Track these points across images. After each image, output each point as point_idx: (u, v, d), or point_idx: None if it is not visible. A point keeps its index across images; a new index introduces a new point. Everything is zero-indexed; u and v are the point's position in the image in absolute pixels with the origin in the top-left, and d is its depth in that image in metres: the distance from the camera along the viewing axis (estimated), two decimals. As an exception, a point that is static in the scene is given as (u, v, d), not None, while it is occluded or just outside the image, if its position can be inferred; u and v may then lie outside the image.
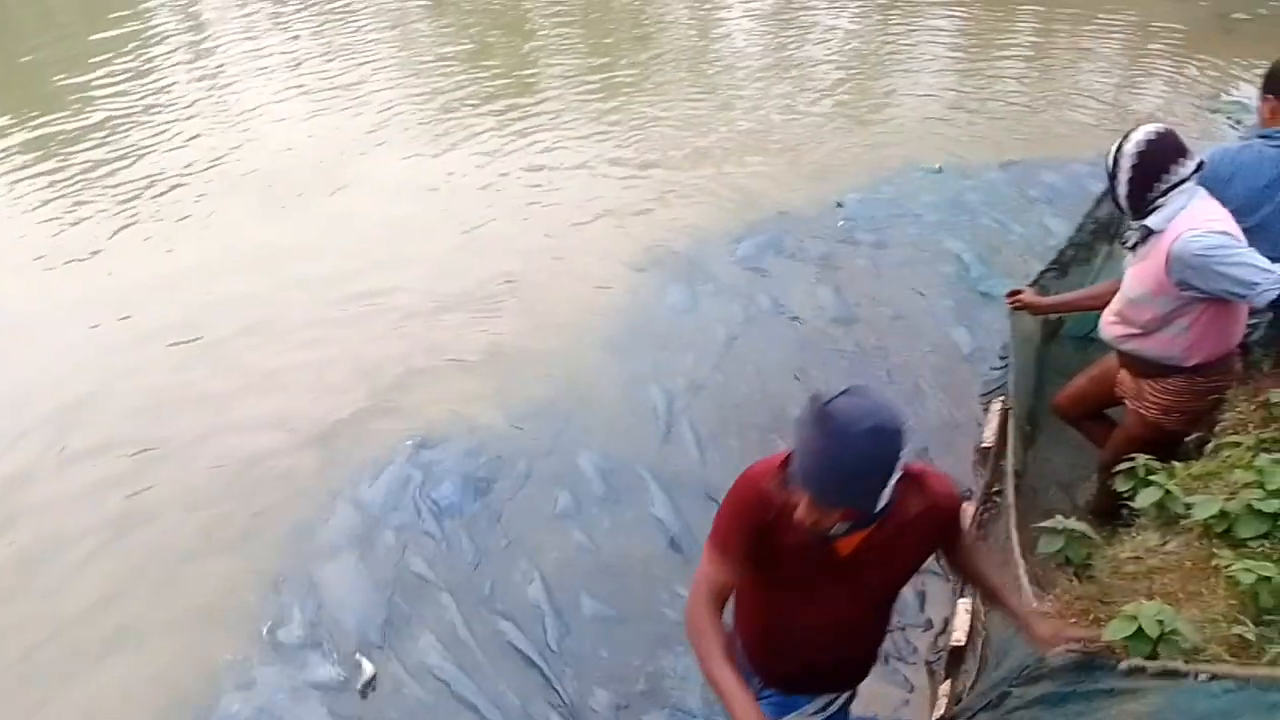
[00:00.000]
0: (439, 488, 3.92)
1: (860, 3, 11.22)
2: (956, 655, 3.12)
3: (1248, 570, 2.12)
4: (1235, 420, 3.11)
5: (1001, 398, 3.79)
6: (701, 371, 4.62)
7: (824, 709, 2.28)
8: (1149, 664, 1.96)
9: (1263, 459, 2.46)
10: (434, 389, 4.55)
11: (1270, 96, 3.18)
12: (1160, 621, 2.08)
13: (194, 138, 7.67)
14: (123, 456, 4.24)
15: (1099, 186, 4.06)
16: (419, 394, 4.51)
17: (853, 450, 1.63)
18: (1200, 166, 2.79)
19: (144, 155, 7.33)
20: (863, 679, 2.31)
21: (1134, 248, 2.91)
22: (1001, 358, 4.51)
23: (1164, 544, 2.67)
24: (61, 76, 8.95)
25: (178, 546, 3.74)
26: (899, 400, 4.43)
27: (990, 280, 5.42)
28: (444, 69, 9.17)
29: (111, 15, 11.06)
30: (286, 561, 3.61)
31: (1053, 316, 3.92)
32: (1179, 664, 1.89)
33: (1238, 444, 2.86)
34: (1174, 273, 2.75)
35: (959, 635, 3.11)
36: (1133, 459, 2.88)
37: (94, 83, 8.83)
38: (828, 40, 10.04)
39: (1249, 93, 8.08)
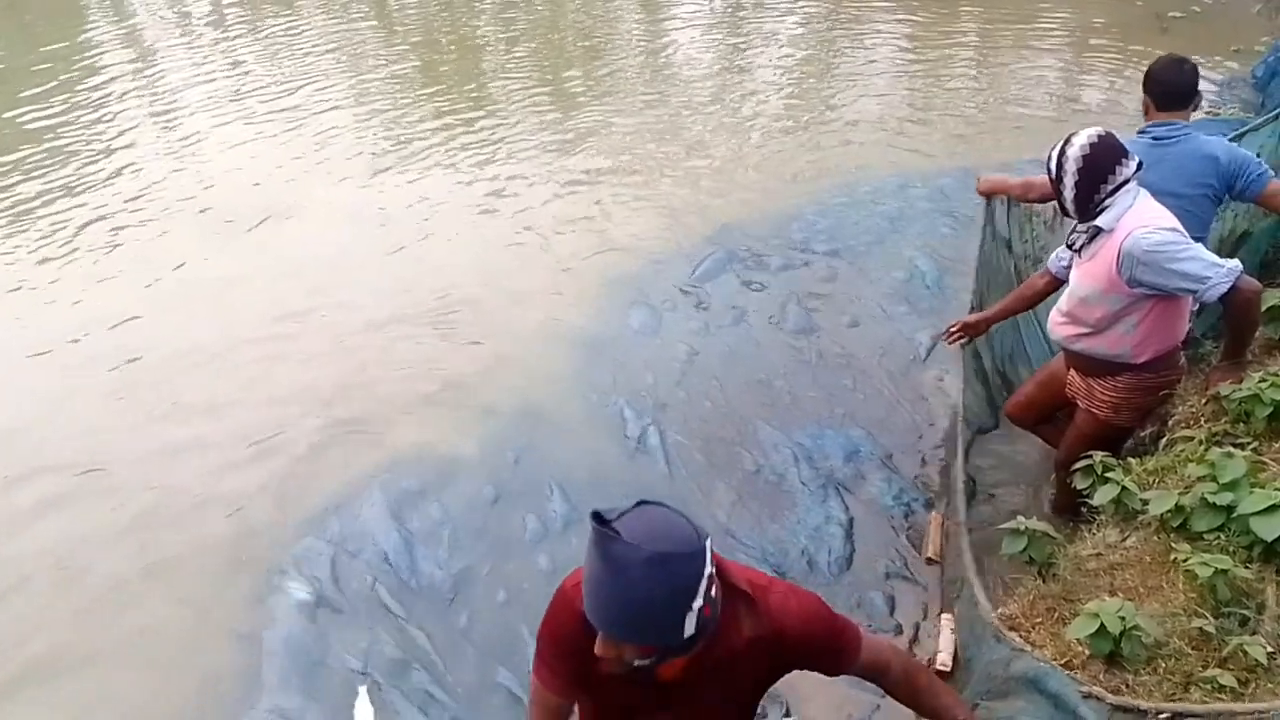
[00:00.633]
0: (406, 519, 3.86)
1: (806, 11, 11.34)
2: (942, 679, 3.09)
3: (1205, 564, 2.16)
4: (1187, 414, 3.19)
5: (936, 512, 3.66)
6: (665, 388, 4.61)
7: None
8: (1108, 696, 1.99)
9: (1214, 452, 2.51)
10: (393, 418, 4.47)
11: (1145, 96, 3.42)
12: (1122, 618, 2.12)
13: (134, 167, 7.52)
14: (63, 482, 4.17)
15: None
16: (378, 424, 4.44)
17: (636, 582, 1.42)
18: (1140, 166, 2.85)
19: (83, 186, 7.18)
20: None
21: (1080, 249, 2.97)
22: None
23: (1124, 540, 2.72)
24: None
25: (127, 581, 3.64)
26: (866, 407, 4.51)
27: (944, 284, 5.49)
28: (392, 90, 9.11)
29: (44, 48, 10.88)
30: (249, 602, 3.53)
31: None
32: (1139, 703, 1.93)
33: (1190, 438, 2.92)
34: (1125, 270, 2.80)
35: (944, 658, 3.09)
36: (1089, 456, 2.94)
37: (27, 115, 8.66)
38: (776, 51, 10.11)
39: (1186, 89, 8.29)
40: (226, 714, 3.12)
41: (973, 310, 3.72)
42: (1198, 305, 3.21)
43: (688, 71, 9.54)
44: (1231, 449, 2.53)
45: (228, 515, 3.94)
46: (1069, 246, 3.03)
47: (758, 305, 5.33)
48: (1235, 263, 2.77)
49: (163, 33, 11.66)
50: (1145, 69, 3.51)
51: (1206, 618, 2.16)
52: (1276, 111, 4.58)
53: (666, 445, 4.23)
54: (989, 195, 4.08)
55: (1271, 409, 2.72)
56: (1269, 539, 2.19)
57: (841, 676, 1.90)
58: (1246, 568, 2.23)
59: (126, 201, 6.92)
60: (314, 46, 10.66)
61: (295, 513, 3.94)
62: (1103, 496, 2.72)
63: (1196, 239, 2.92)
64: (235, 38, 11.17)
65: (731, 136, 7.71)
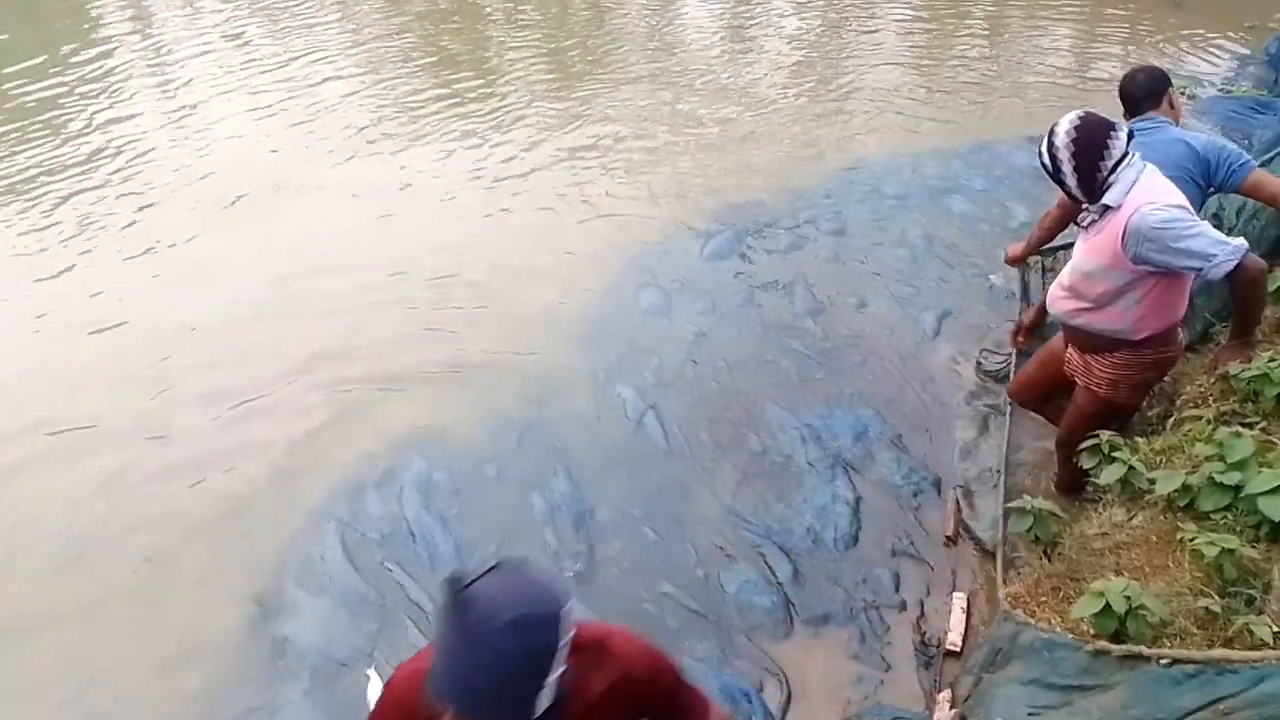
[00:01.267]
0: (411, 497, 3.88)
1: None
2: (951, 657, 3.03)
3: (1211, 544, 2.16)
4: (1195, 393, 3.18)
5: (958, 593, 3.39)
6: (670, 368, 4.60)
7: None
8: (1113, 647, 1.99)
9: (1222, 432, 2.51)
10: (397, 395, 4.49)
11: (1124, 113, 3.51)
12: (1128, 598, 2.12)
13: (133, 140, 7.49)
14: (50, 443, 4.25)
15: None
16: (381, 401, 4.45)
17: (493, 651, 1.31)
18: (1131, 135, 2.84)
19: (77, 160, 7.17)
20: None
21: (1089, 226, 2.94)
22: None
23: (1130, 519, 2.73)
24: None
25: (133, 579, 3.66)
26: (874, 388, 4.50)
27: (952, 264, 5.47)
28: (396, 62, 9.07)
29: (44, 22, 10.86)
30: (266, 583, 3.55)
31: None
32: (1140, 649, 1.92)
33: (1198, 417, 2.92)
34: (1130, 246, 2.77)
35: (954, 637, 3.09)
36: (1095, 436, 2.93)
37: (25, 87, 8.65)
38: (784, 27, 10.05)
39: (1199, 67, 8.22)
40: (232, 697, 3.14)
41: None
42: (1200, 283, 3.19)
43: (695, 47, 9.47)
44: (1240, 428, 2.52)
45: (227, 493, 3.97)
46: (1079, 225, 3.00)
47: (766, 285, 5.31)
48: (1241, 241, 2.75)
49: (164, 3, 11.64)
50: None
51: (1213, 597, 2.16)
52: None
53: (672, 426, 4.22)
54: (1018, 263, 4.22)
55: (1280, 389, 2.71)
56: (1276, 519, 2.18)
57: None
58: (1254, 547, 2.23)
59: (124, 176, 6.94)
60: (316, 17, 10.62)
61: (298, 490, 3.96)
62: (1109, 476, 2.72)
63: None
64: (236, 7, 11.15)
65: (739, 114, 7.67)
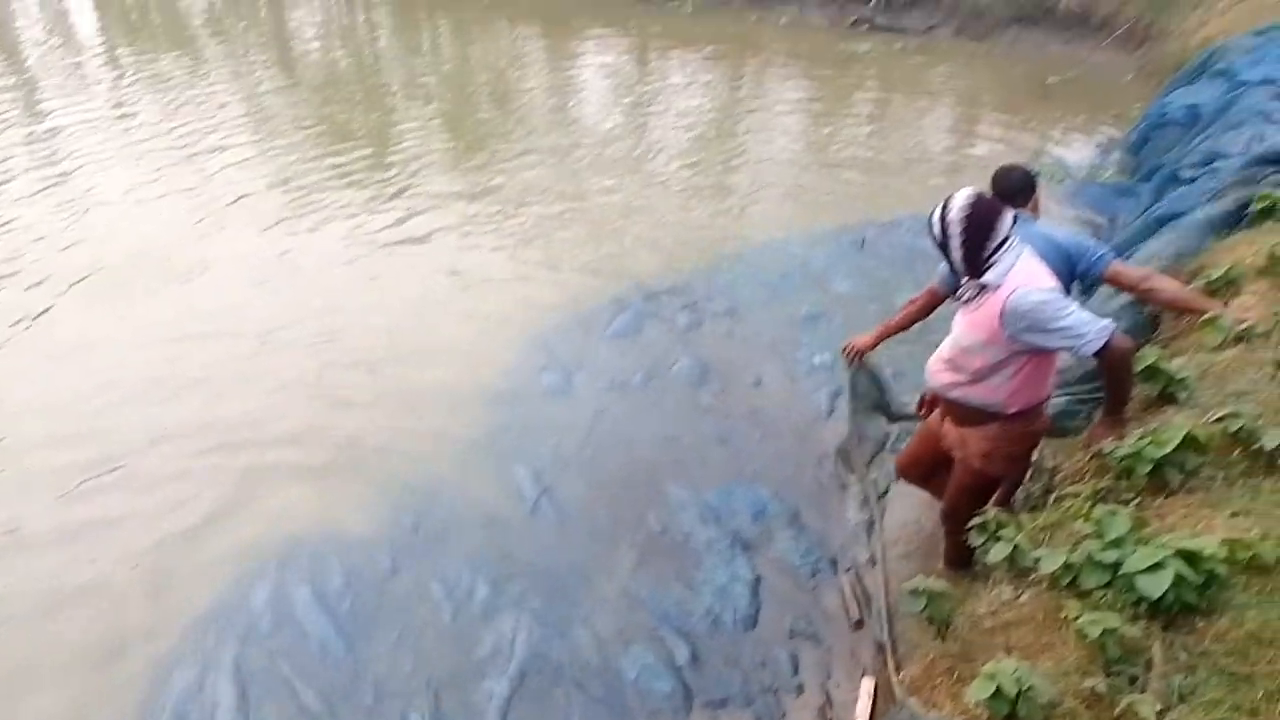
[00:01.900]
0: (304, 594, 3.69)
1: (712, 75, 11.61)
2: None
3: (1094, 623, 2.20)
4: (1073, 470, 3.29)
5: (867, 678, 3.51)
6: (568, 448, 4.56)
7: None
8: None
9: (1099, 510, 2.58)
10: (286, 488, 4.27)
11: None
12: (1018, 679, 2.14)
13: (13, 221, 7.19)
14: None
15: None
16: (270, 495, 4.25)
17: None
18: (1015, 220, 2.99)
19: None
20: None
21: (968, 301, 3.06)
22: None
23: (1017, 597, 2.76)
24: None
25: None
26: (773, 466, 4.51)
27: (837, 340, 5.59)
28: (296, 138, 8.97)
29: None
30: (130, 700, 3.30)
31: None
32: None
33: (1076, 494, 3.00)
34: (1008, 325, 2.91)
35: None
36: (982, 512, 3.00)
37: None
38: (683, 108, 10.32)
39: (1068, 153, 8.75)
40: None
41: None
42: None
43: (594, 125, 9.63)
44: (1115, 506, 2.60)
45: (87, 607, 3.68)
46: (957, 300, 3.12)
47: (666, 364, 5.33)
48: (1109, 321, 2.90)
49: (51, 75, 11.26)
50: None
51: (1098, 676, 2.20)
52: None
53: (569, 507, 4.16)
54: (856, 357, 4.10)
55: (1152, 466, 2.81)
56: (1154, 596, 2.24)
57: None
58: (1134, 625, 2.28)
59: (31, 266, 6.58)
60: (205, 88, 10.42)
61: (174, 601, 3.71)
62: (996, 555, 2.76)
63: None
64: (130, 83, 10.86)
65: (637, 192, 7.79)
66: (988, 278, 2.95)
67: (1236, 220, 4.78)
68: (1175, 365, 3.48)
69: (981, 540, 2.93)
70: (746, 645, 3.51)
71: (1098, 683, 2.17)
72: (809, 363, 5.38)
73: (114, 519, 4.09)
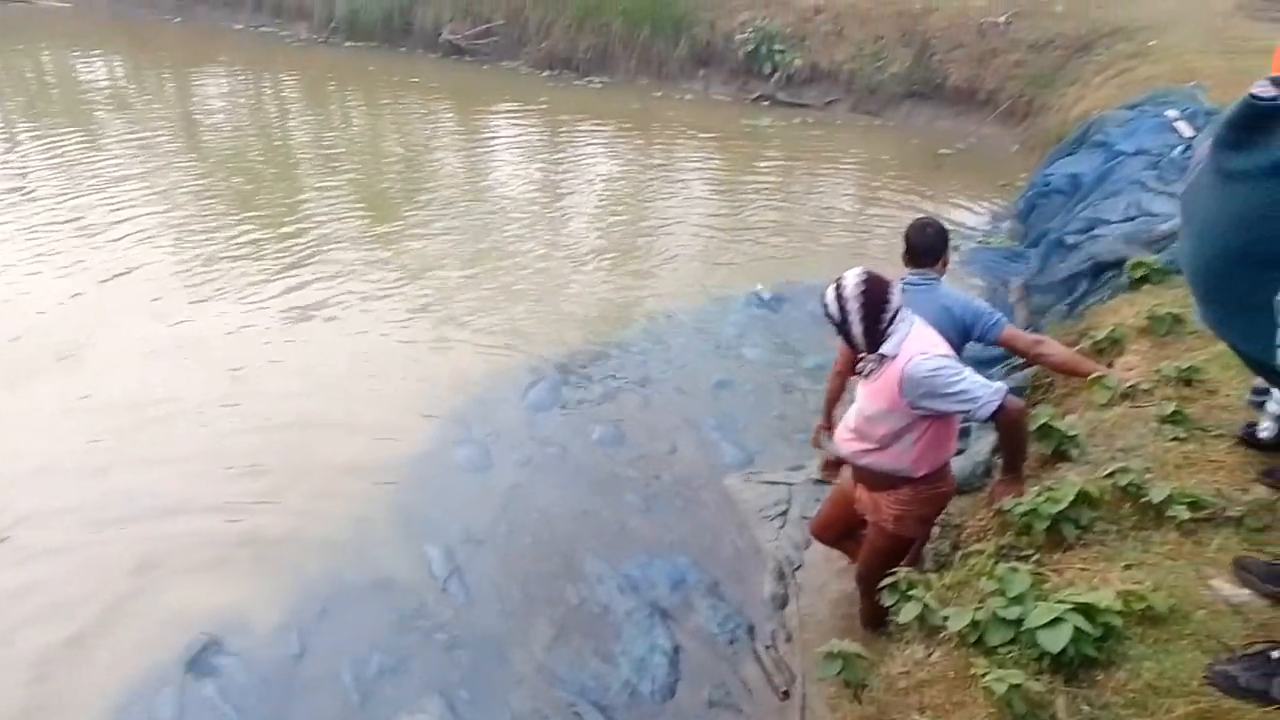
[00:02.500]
0: (208, 687, 3.53)
1: (620, 148, 11.86)
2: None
3: (1000, 680, 2.25)
4: (976, 528, 3.39)
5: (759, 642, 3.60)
6: (485, 524, 4.49)
7: None
8: None
9: (1000, 567, 2.66)
10: (186, 574, 4.09)
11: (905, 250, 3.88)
12: (930, 741, 2.17)
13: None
14: None
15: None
16: (174, 586, 4.05)
17: None
18: (916, 284, 3.16)
19: None
20: None
21: (869, 374, 3.17)
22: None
23: (929, 656, 2.82)
24: None
25: None
26: (692, 535, 4.52)
27: (758, 409, 5.69)
28: (199, 212, 8.76)
29: None
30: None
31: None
32: None
33: (980, 552, 3.09)
34: (907, 393, 3.05)
35: None
36: (893, 572, 3.06)
37: None
38: (594, 181, 10.47)
39: (961, 221, 9.16)
40: None
41: None
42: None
43: (506, 200, 9.69)
44: (1016, 563, 2.69)
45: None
46: (858, 374, 3.23)
47: (583, 435, 5.33)
48: (1002, 384, 3.06)
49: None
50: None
51: (1006, 733, 2.24)
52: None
53: (482, 584, 4.09)
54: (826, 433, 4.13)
55: (1049, 522, 2.92)
56: (1054, 651, 2.31)
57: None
58: (1038, 680, 2.35)
59: None
60: (112, 165, 10.17)
61: (83, 699, 3.51)
62: (907, 614, 2.82)
63: None
64: (24, 157, 10.54)
65: (552, 265, 7.85)
66: (885, 349, 3.10)
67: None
68: (1067, 423, 3.64)
69: (893, 601, 2.98)
70: (665, 716, 3.48)
71: (1006, 740, 2.22)
72: (722, 430, 5.44)
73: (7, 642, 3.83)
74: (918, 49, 12.64)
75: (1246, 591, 2.59)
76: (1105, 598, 2.48)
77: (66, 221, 8.34)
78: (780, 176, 10.96)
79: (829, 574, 4.10)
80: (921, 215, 4.36)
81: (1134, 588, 2.57)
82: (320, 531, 4.41)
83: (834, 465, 4.28)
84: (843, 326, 3.11)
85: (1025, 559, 2.87)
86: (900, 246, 3.91)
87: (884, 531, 3.37)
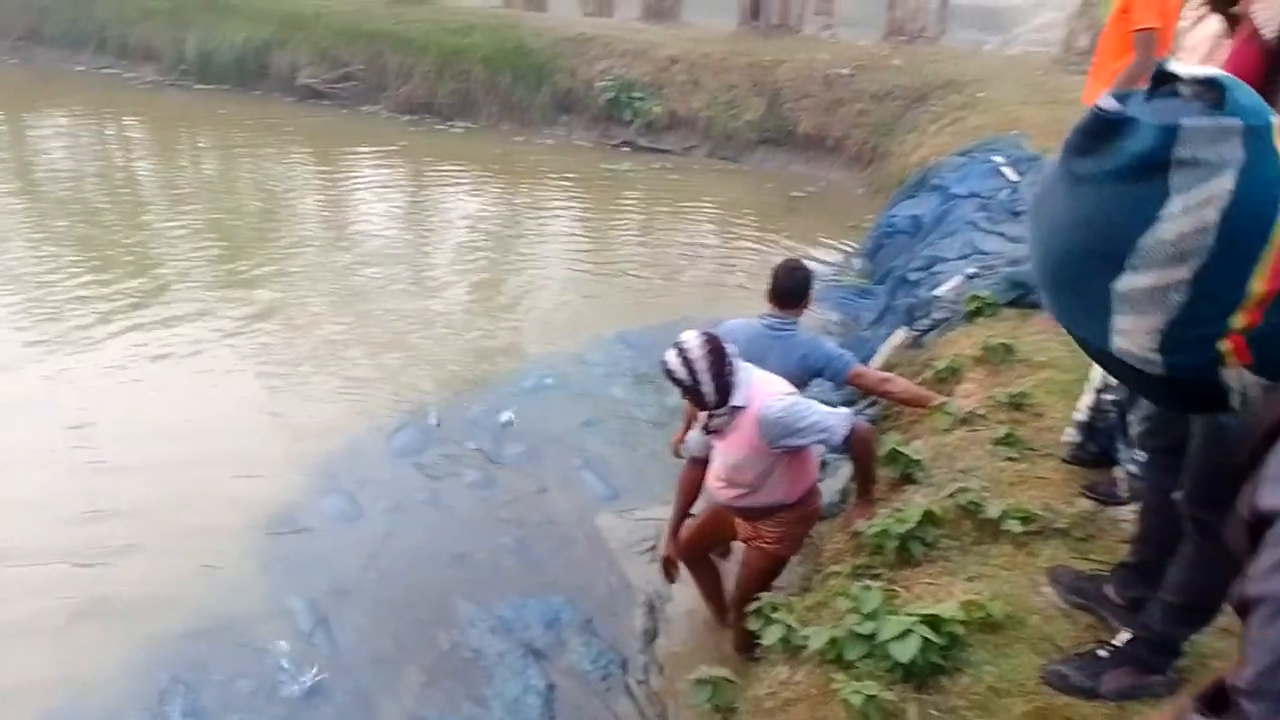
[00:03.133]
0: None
1: (485, 192, 11.89)
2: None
3: (856, 692, 2.38)
4: (834, 551, 3.57)
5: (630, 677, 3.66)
6: (351, 574, 4.38)
7: None
8: None
9: (855, 586, 2.81)
10: (27, 655, 3.80)
11: (770, 290, 4.10)
12: (794, 756, 2.27)
13: None
14: None
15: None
16: (13, 659, 3.80)
17: None
18: (767, 329, 3.42)
19: None
20: None
21: (723, 430, 3.39)
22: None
23: (793, 676, 2.94)
24: None
25: None
26: (566, 574, 4.53)
27: (627, 447, 5.78)
28: (44, 265, 8.31)
29: None
30: None
31: None
32: None
33: (838, 573, 3.26)
34: (767, 436, 3.25)
35: None
36: (758, 597, 3.18)
37: None
38: (460, 225, 10.43)
39: (815, 260, 9.56)
40: None
41: None
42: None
43: (370, 245, 9.56)
44: (869, 581, 2.85)
45: None
46: (709, 431, 3.43)
47: (453, 479, 5.28)
48: (848, 411, 3.30)
49: None
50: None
51: (864, 743, 2.37)
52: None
53: (348, 635, 4.00)
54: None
55: (899, 541, 3.11)
56: (904, 661, 2.47)
57: None
58: (891, 690, 2.49)
59: None
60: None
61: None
62: (771, 636, 2.94)
63: None
64: None
65: (419, 310, 7.78)
66: (735, 400, 3.28)
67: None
68: (913, 449, 3.88)
69: (759, 625, 3.10)
70: (542, 757, 3.48)
71: (864, 749, 2.35)
72: (592, 467, 5.50)
73: None
74: (769, 98, 13.20)
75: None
76: (949, 609, 2.67)
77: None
78: (643, 218, 11.22)
79: (698, 603, 4.18)
80: (790, 256, 4.62)
81: (975, 598, 2.77)
82: (174, 590, 4.22)
83: (674, 565, 4.22)
84: (693, 386, 3.27)
85: (878, 577, 3.04)
86: (762, 284, 4.13)
87: (765, 553, 3.56)
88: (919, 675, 2.52)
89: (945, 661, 2.54)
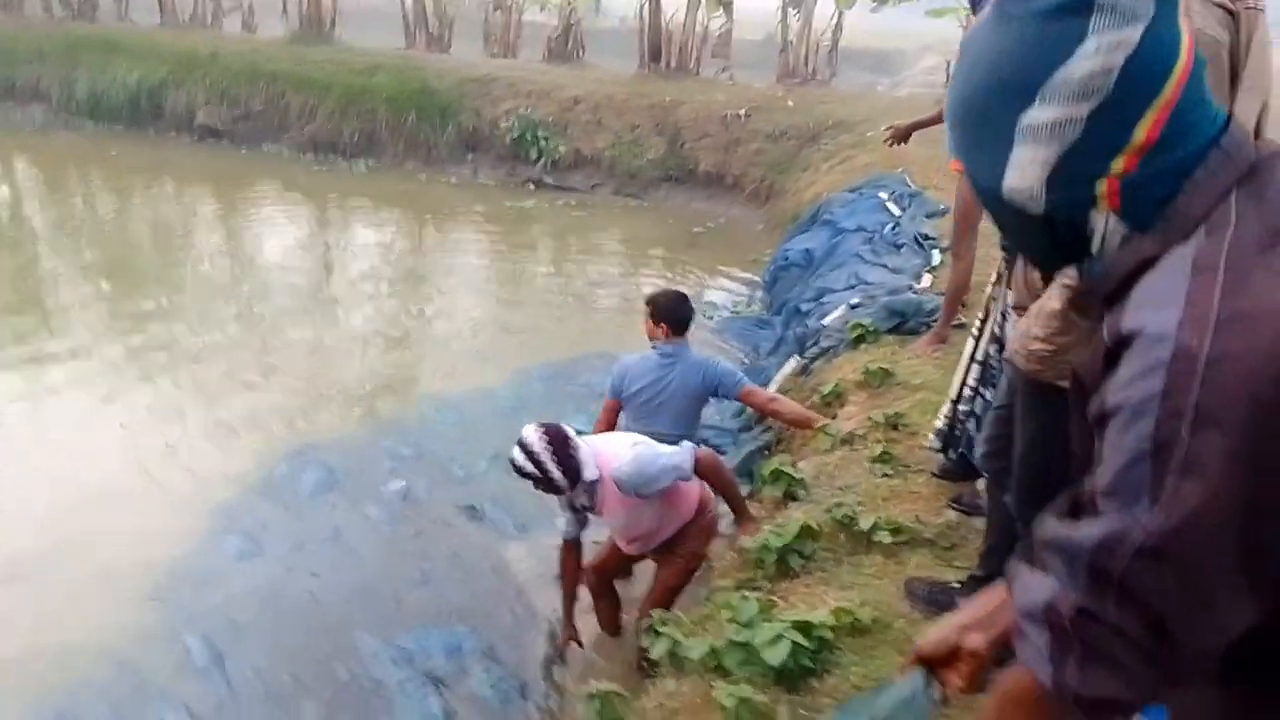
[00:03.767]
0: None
1: (390, 229, 11.92)
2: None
3: (730, 695, 2.53)
4: (722, 568, 3.73)
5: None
6: (248, 612, 4.33)
7: None
8: None
9: (734, 597, 2.97)
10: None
11: (660, 323, 4.43)
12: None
13: None
14: None
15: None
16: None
17: None
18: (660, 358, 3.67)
19: None
20: None
21: (589, 505, 3.64)
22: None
23: (679, 687, 3.07)
24: None
25: None
26: (470, 603, 4.56)
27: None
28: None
29: None
30: None
31: None
32: None
33: (724, 587, 3.42)
34: (631, 492, 3.48)
35: None
36: (649, 616, 3.32)
37: None
38: (363, 266, 10.41)
39: (717, 293, 9.86)
40: None
41: None
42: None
43: (274, 283, 9.50)
44: (747, 593, 3.01)
45: None
46: (579, 509, 3.71)
47: (357, 515, 5.27)
48: (689, 444, 3.62)
49: None
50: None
51: (740, 744, 2.51)
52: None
53: (244, 671, 3.97)
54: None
55: (777, 554, 3.29)
56: (775, 664, 2.63)
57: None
58: (765, 693, 2.65)
59: None
60: None
61: None
62: (658, 650, 3.07)
63: (686, 433, 4.13)
64: None
65: (326, 347, 7.77)
66: (586, 476, 3.49)
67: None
68: (798, 469, 4.09)
69: (650, 641, 3.24)
70: (441, 784, 3.52)
71: (738, 749, 2.49)
72: (497, 500, 5.56)
73: None
74: (670, 137, 13.58)
75: (937, 600, 3.05)
76: (821, 615, 2.85)
77: None
78: (549, 254, 11.39)
79: (600, 628, 4.29)
80: (670, 288, 4.96)
81: (845, 605, 2.96)
82: (67, 636, 4.13)
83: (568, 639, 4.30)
84: (543, 478, 3.48)
85: (760, 589, 3.21)
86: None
87: (683, 564, 3.77)
88: (790, 678, 2.68)
89: (815, 664, 2.71)
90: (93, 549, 4.77)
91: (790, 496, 3.91)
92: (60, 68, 16.00)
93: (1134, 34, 0.91)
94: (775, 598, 3.11)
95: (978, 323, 3.64)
